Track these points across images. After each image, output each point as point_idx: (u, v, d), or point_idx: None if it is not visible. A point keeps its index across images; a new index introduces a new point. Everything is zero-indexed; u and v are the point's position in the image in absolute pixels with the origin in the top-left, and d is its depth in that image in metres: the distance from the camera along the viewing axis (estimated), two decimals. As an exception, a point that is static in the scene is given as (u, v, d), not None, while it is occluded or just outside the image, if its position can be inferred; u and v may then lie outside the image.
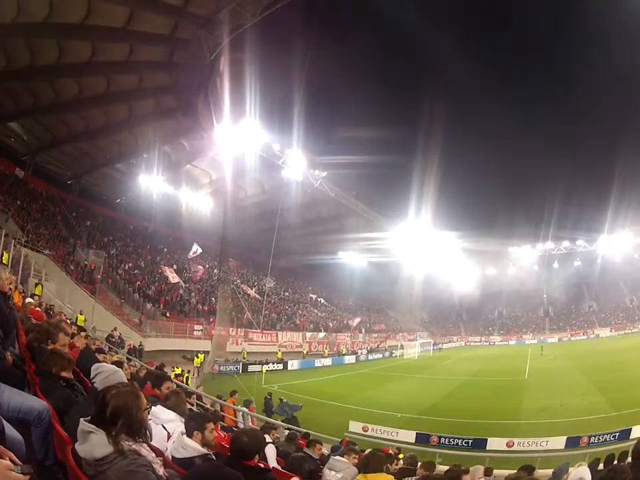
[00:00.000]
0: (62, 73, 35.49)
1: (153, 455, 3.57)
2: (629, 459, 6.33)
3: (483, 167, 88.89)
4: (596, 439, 20.54)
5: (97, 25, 30.61)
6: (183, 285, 53.70)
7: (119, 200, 61.58)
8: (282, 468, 7.73)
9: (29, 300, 17.41)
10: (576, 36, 71.79)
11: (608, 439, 20.30)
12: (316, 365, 57.87)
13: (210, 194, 61.07)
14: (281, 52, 43.23)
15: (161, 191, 54.92)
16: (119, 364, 8.37)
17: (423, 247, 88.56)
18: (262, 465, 4.92)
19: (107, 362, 7.64)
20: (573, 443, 20.45)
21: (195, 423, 5.21)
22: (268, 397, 26.22)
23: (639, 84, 65.96)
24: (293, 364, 54.29)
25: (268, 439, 9.40)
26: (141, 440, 3.40)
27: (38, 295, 22.72)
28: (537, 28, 77.19)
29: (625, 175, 75.26)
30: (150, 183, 53.76)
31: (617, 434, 20.43)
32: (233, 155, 48.55)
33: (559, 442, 20.75)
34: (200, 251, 54.70)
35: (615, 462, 9.64)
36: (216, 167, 54.72)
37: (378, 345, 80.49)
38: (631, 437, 19.33)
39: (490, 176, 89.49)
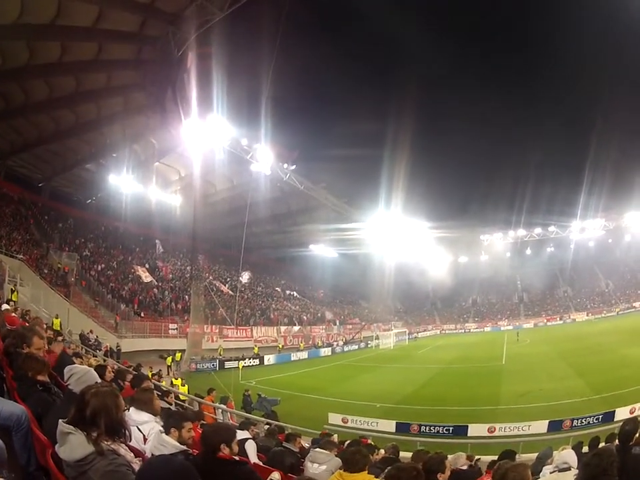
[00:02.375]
0: (32, 75, 35.48)
1: (132, 454, 3.73)
2: (617, 442, 6.53)
3: (453, 156, 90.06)
4: (579, 422, 21.00)
5: (67, 24, 30.81)
6: (156, 283, 54.16)
7: (89, 201, 61.56)
8: (263, 463, 7.93)
9: (5, 307, 18.10)
10: (548, 22, 73.36)
11: (591, 422, 20.79)
12: (292, 359, 58.53)
13: (179, 191, 61.35)
14: (248, 47, 43.51)
15: (131, 190, 54.94)
16: (101, 367, 8.66)
17: (394, 236, 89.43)
18: (237, 459, 4.99)
19: (85, 365, 7.25)
20: (555, 426, 20.92)
21: (172, 421, 5.55)
22: (246, 393, 26.82)
23: (611, 72, 67.58)
24: (269, 359, 54.92)
25: (247, 434, 9.51)
26: (120, 440, 3.57)
27: (14, 301, 23.38)
28: (507, 12, 78.33)
29: (596, 160, 76.85)
30: (120, 182, 53.85)
31: (601, 416, 20.98)
32: (201, 151, 48.85)
33: (540, 426, 21.18)
34: (160, 250, 55.59)
35: (602, 444, 9.83)
36: (185, 163, 55.01)
37: (353, 337, 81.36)
38: (615, 419, 19.85)
39: (461, 164, 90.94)
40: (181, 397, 20.13)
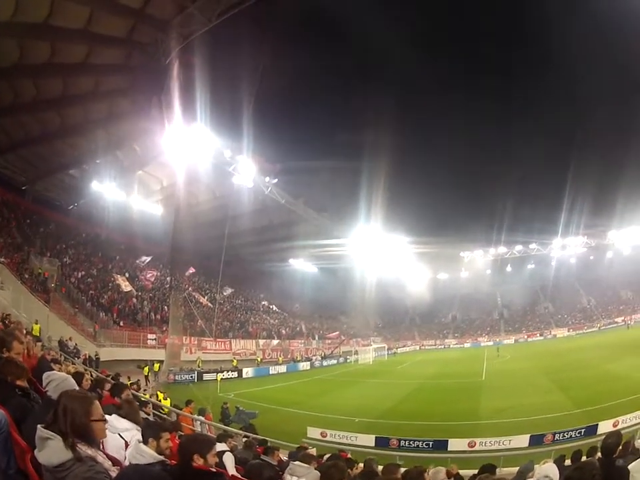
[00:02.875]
0: (21, 74, 35.27)
1: (109, 463, 3.74)
2: (599, 454, 6.59)
3: (434, 172, 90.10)
4: (560, 435, 21.10)
5: (59, 25, 30.79)
6: (135, 293, 53.89)
7: (72, 206, 61.05)
8: (241, 475, 7.88)
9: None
10: (529, 36, 74.20)
11: (573, 436, 20.83)
12: (271, 373, 58.50)
13: (161, 200, 61.23)
14: (234, 58, 43.68)
15: (113, 198, 54.74)
16: (79, 375, 8.58)
17: (374, 252, 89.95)
18: (213, 470, 4.86)
19: (63, 372, 7.39)
20: (536, 440, 20.90)
21: (151, 431, 5.50)
22: (224, 405, 26.68)
23: (594, 87, 68.54)
24: (248, 372, 54.93)
25: (225, 447, 9.46)
26: (95, 447, 3.57)
27: (-5, 305, 23.32)
28: (490, 28, 79.17)
29: (577, 177, 77.51)
30: (102, 189, 53.69)
31: (583, 430, 20.95)
32: (184, 161, 48.89)
33: (522, 440, 21.15)
34: (145, 260, 55.44)
35: (584, 457, 9.85)
36: (167, 172, 54.83)
37: (332, 351, 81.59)
38: (598, 433, 19.81)
39: (442, 181, 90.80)
40: (164, 409, 20.06)
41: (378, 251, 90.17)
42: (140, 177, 56.35)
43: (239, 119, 50.28)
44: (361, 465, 11.98)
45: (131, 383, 24.06)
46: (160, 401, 23.29)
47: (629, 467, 5.40)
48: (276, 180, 63.90)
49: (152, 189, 59.79)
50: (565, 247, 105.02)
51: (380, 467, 9.97)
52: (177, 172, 50.86)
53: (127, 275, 55.97)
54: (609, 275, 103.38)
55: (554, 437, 21.00)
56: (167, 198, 59.62)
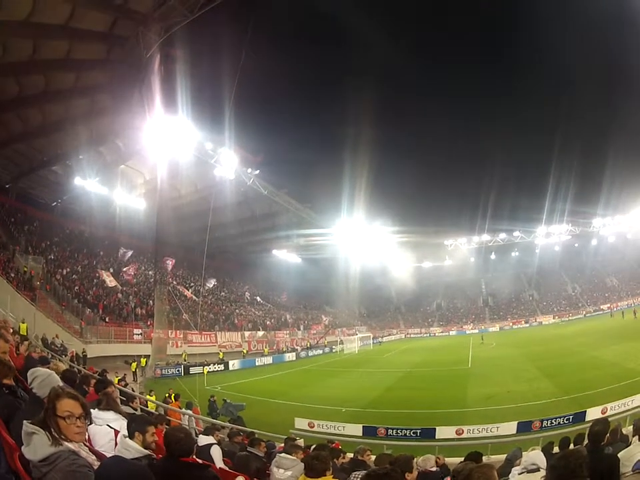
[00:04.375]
0: (4, 72, 35.03)
1: (93, 457, 3.81)
2: (586, 442, 6.81)
3: (418, 161, 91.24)
4: (548, 422, 21.23)
5: (41, 21, 30.69)
6: (120, 288, 54.15)
7: (55, 203, 60.96)
8: (229, 468, 7.95)
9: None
10: (509, 32, 75.23)
11: (562, 422, 21.01)
12: (257, 364, 59.01)
13: (144, 194, 61.11)
14: (215, 51, 43.74)
15: (97, 193, 54.80)
16: (70, 373, 8.84)
17: (358, 241, 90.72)
18: (200, 462, 5.08)
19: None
20: (524, 427, 21.10)
21: (136, 425, 5.42)
22: (211, 398, 27.02)
23: (578, 78, 69.65)
24: (234, 364, 55.47)
25: (212, 440, 9.41)
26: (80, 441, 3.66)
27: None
28: (474, 26, 79.82)
29: (561, 165, 79.01)
30: (85, 185, 53.68)
31: (571, 417, 21.19)
32: (166, 155, 49.12)
33: (509, 427, 21.37)
34: (127, 254, 55.85)
35: (571, 445, 9.90)
36: (150, 166, 54.80)
37: (317, 341, 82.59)
38: (586, 419, 20.07)
39: (425, 170, 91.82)
40: (149, 404, 20.40)
41: (362, 240, 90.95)
42: (122, 171, 56.25)
43: (220, 111, 50.33)
44: (349, 454, 12.21)
45: (119, 380, 24.63)
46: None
47: (619, 454, 5.64)
48: (258, 171, 64.14)
49: (135, 183, 59.70)
50: (550, 235, 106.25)
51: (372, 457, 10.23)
52: (158, 165, 50.82)
53: (111, 270, 56.21)
54: (594, 262, 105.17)
55: (541, 423, 21.27)
56: (150, 192, 59.42)
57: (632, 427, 7.57)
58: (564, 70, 73.50)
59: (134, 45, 36.05)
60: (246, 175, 61.49)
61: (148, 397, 23.88)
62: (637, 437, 6.57)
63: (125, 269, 57.10)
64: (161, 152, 48.64)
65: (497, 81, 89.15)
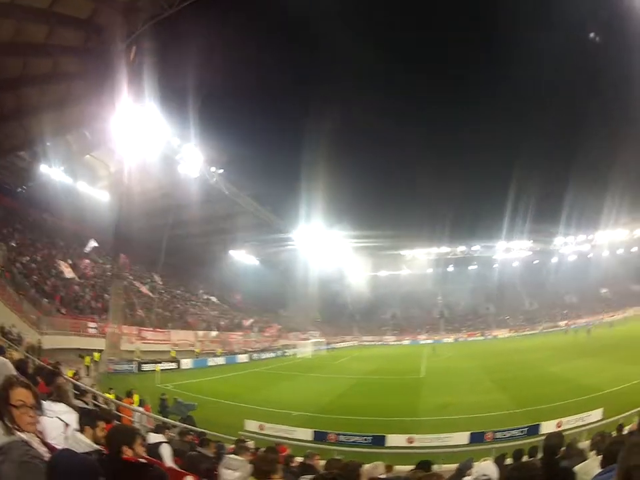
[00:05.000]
0: None
1: (45, 449, 3.76)
2: (540, 455, 6.76)
3: (378, 170, 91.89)
4: (502, 434, 21.62)
5: (24, 4, 30.59)
6: (78, 280, 53.58)
7: (20, 189, 59.95)
8: (179, 467, 7.99)
9: None
10: (473, 49, 76.49)
11: (515, 435, 21.44)
12: (209, 364, 59.13)
13: (107, 187, 60.91)
14: (189, 48, 43.91)
15: (61, 182, 54.40)
16: (24, 363, 9.20)
17: (316, 247, 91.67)
18: (144, 461, 4.93)
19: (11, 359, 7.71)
20: (477, 438, 21.47)
21: (87, 419, 5.61)
22: (163, 396, 26.94)
23: (539, 99, 71.16)
24: (187, 363, 55.44)
25: (162, 438, 9.54)
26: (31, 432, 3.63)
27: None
28: (442, 28, 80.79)
29: (522, 183, 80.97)
30: (51, 173, 53.34)
31: (525, 429, 21.66)
32: (132, 148, 49.05)
33: (462, 437, 21.73)
34: (92, 246, 55.38)
35: (525, 457, 10.00)
36: (115, 159, 54.52)
37: (271, 344, 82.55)
38: (541, 432, 20.31)
39: (386, 179, 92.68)
40: (100, 399, 20.00)
41: (320, 246, 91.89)
42: (88, 162, 55.92)
43: (189, 108, 50.72)
44: (298, 458, 12.80)
45: (73, 374, 24.64)
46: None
47: (575, 468, 5.76)
48: (222, 171, 64.51)
49: (99, 175, 59.36)
50: (509, 250, 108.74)
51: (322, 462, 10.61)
52: (124, 158, 50.49)
53: (70, 261, 55.33)
54: (554, 279, 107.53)
55: (495, 435, 21.69)
56: (113, 184, 58.98)
57: (589, 441, 8.00)
58: (528, 87, 74.99)
59: (112, 35, 36.18)
60: (210, 173, 61.65)
61: (108, 395, 23.96)
62: (594, 451, 6.86)
63: (83, 261, 56.57)
64: (128, 145, 48.53)
65: (462, 95, 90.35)
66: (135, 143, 48.87)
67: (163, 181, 61.15)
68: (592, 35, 60.56)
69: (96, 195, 60.01)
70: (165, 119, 50.94)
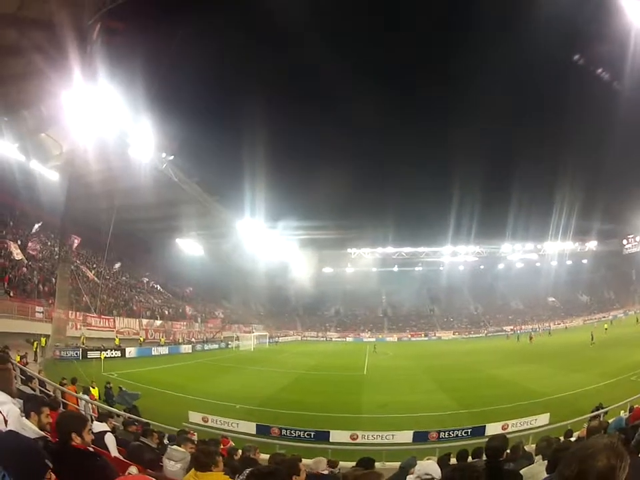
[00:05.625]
0: None
1: None
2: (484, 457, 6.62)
3: (325, 167, 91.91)
4: (446, 434, 22.01)
5: None
6: (26, 262, 52.25)
7: None
8: (123, 457, 7.89)
9: None
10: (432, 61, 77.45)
11: (460, 435, 21.88)
12: (153, 354, 58.96)
13: (58, 167, 59.35)
14: (154, 31, 43.64)
15: (15, 159, 52.77)
16: None
17: (261, 240, 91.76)
18: (91, 450, 4.92)
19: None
20: (421, 437, 21.74)
21: (31, 405, 5.61)
22: (108, 385, 26.98)
23: (486, 108, 72.38)
24: (131, 351, 55.24)
25: (106, 427, 9.41)
26: None
27: None
28: (411, 28, 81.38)
29: (468, 190, 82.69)
30: (3, 150, 51.67)
31: (470, 430, 21.94)
32: (84, 128, 48.26)
33: (406, 436, 22.02)
34: (37, 227, 54.22)
35: (470, 458, 9.90)
36: (68, 138, 53.18)
37: (214, 336, 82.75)
38: (486, 434, 20.18)
39: (333, 177, 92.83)
40: (47, 385, 19.46)
41: (265, 239, 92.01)
42: (41, 140, 54.63)
43: (145, 92, 50.17)
44: (241, 451, 12.61)
45: (20, 357, 24.20)
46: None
47: (522, 471, 5.97)
48: (172, 157, 63.95)
49: (51, 154, 58.00)
50: (455, 254, 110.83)
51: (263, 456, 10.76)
52: (76, 138, 49.93)
53: (19, 242, 53.75)
54: (501, 285, 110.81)
55: (439, 434, 22.00)
56: (65, 164, 57.54)
57: (535, 445, 8.03)
58: (473, 97, 75.96)
59: (79, 10, 35.36)
60: (160, 159, 61.07)
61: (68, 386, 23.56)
62: (540, 456, 7.00)
63: (31, 243, 55.25)
64: (81, 125, 47.76)
65: (409, 98, 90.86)
66: (89, 123, 47.97)
67: (113, 163, 59.69)
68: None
69: (47, 175, 58.51)
70: (121, 101, 50.03)
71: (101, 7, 36.23)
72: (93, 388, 23.70)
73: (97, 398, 22.66)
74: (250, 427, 23.97)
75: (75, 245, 59.00)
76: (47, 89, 43.88)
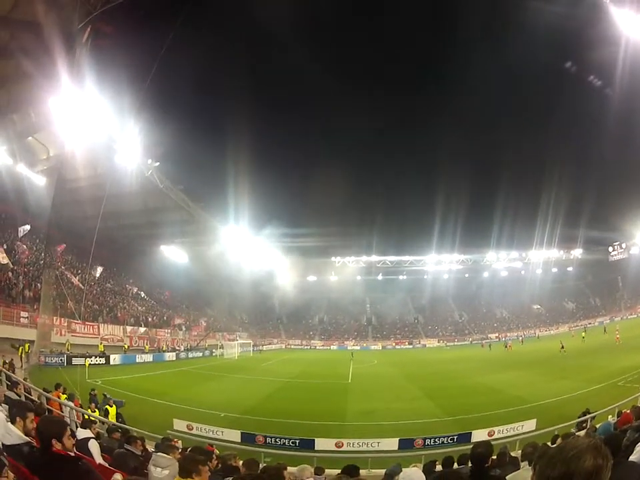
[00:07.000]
0: None
1: None
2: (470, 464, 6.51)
3: (311, 176, 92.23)
4: (432, 441, 21.88)
5: None
6: (12, 266, 52.02)
7: None
8: (108, 464, 7.98)
9: None
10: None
11: (446, 442, 21.67)
12: (137, 361, 58.72)
13: (45, 171, 58.99)
14: (144, 36, 43.80)
15: (0, 162, 52.11)
16: None
17: (246, 247, 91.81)
18: (72, 455, 4.92)
19: None
20: (406, 444, 21.59)
21: (17, 410, 5.63)
22: (92, 392, 26.48)
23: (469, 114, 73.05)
24: (115, 358, 54.87)
25: (90, 433, 9.51)
26: None
27: None
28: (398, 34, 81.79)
29: (453, 199, 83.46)
30: None
31: (456, 437, 21.84)
32: (72, 133, 48.27)
33: (391, 443, 21.97)
34: (24, 231, 53.99)
35: (455, 464, 9.97)
36: (55, 142, 53.38)
37: (198, 343, 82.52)
38: (472, 441, 19.98)
39: (317, 183, 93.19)
40: (32, 391, 19.77)
41: (249, 247, 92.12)
42: (29, 143, 54.45)
43: (133, 98, 50.24)
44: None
45: (4, 363, 24.09)
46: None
47: (507, 477, 6.00)
48: (158, 163, 63.98)
49: (38, 158, 57.83)
50: (440, 263, 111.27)
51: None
52: (63, 143, 50.03)
53: (5, 246, 53.44)
54: (486, 293, 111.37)
55: (424, 442, 21.90)
56: (51, 169, 57.64)
57: (521, 451, 7.93)
58: (458, 105, 76.40)
59: (69, 13, 35.38)
60: (145, 165, 61.02)
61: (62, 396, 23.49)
62: (526, 462, 6.90)
63: (18, 247, 54.89)
64: (68, 129, 47.70)
65: (394, 104, 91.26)
66: (76, 128, 47.82)
67: (99, 169, 60.01)
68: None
69: (34, 179, 58.21)
70: (108, 106, 49.99)
71: (91, 10, 36.15)
72: (111, 407, 23.33)
73: (114, 416, 22.34)
74: (235, 435, 23.86)
75: (60, 250, 58.70)
76: (36, 93, 43.79)
